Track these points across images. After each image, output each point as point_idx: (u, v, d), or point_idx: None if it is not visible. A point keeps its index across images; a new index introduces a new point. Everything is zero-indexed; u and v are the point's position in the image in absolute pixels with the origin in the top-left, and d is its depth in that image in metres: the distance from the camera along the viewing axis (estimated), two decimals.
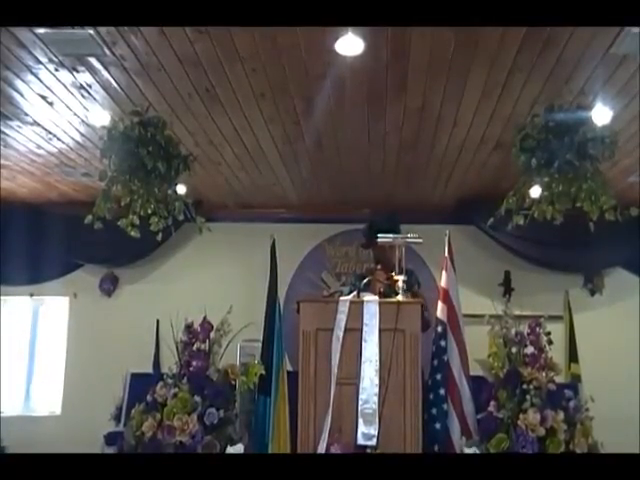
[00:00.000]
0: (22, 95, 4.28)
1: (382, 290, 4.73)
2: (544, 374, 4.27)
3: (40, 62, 3.84)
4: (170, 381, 4.34)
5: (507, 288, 6.60)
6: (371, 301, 4.16)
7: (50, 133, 4.93)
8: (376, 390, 3.97)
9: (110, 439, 5.11)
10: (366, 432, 3.91)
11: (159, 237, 4.10)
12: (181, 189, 4.24)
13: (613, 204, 3.69)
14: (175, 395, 4.20)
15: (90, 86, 4.15)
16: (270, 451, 4.75)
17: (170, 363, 4.54)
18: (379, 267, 5.09)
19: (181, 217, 4.10)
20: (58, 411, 6.72)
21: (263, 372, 4.71)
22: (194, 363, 4.35)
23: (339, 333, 4.07)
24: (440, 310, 5.08)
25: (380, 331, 4.06)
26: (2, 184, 6.10)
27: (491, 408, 4.22)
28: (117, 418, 5.69)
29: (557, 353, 4.67)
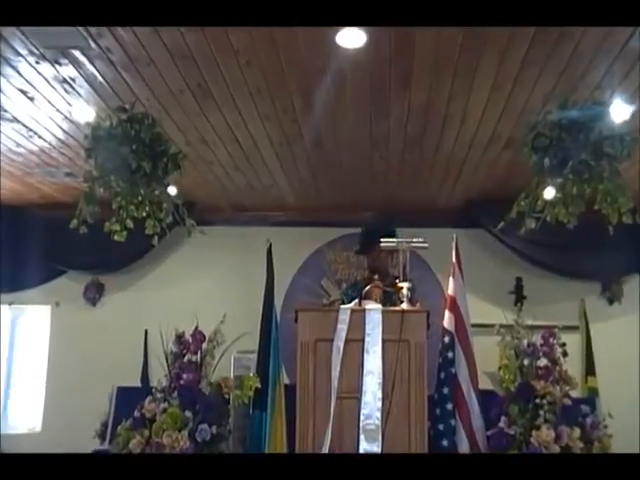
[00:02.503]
0: (0, 90, 4.28)
1: (378, 300, 4.72)
2: (558, 388, 4.29)
3: (20, 54, 3.84)
4: (159, 395, 4.36)
5: (519, 296, 6.60)
6: (374, 310, 4.17)
7: (31, 130, 4.94)
8: (379, 405, 3.98)
9: None
10: (368, 449, 3.92)
11: (155, 241, 4.11)
12: (172, 190, 4.25)
13: (631, 207, 3.70)
14: (164, 410, 4.22)
15: (74, 80, 4.16)
16: None
17: (159, 376, 4.55)
18: (376, 276, 5.10)
19: (169, 219, 4.12)
20: (38, 428, 6.70)
21: (258, 385, 4.72)
22: (185, 376, 4.37)
23: (339, 344, 4.08)
24: (447, 319, 5.10)
25: (383, 342, 4.08)
26: None
27: (502, 424, 4.24)
28: (102, 435, 5.68)
29: (572, 366, 4.69)
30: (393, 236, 4.87)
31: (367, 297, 4.58)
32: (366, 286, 4.77)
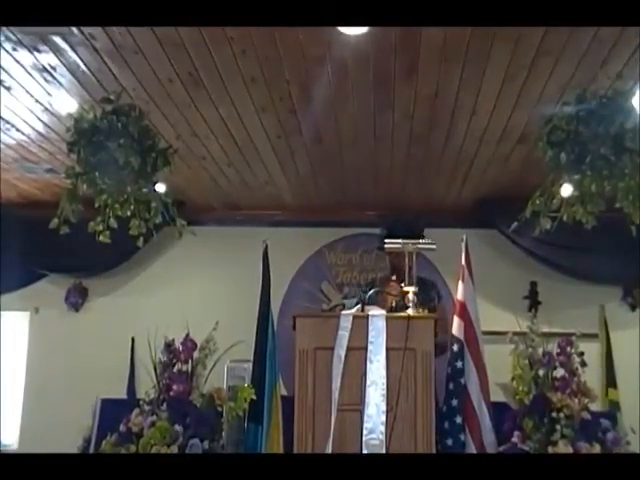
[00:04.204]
0: None
1: (394, 304, 4.73)
2: (577, 401, 4.30)
3: None
4: (147, 408, 4.37)
5: (533, 301, 6.61)
6: (377, 315, 4.18)
7: (8, 123, 4.94)
8: (383, 418, 3.98)
9: None
10: None
11: (140, 242, 4.12)
12: (161, 188, 4.26)
13: None
14: (153, 424, 4.22)
15: (54, 69, 4.17)
16: None
17: (147, 387, 4.56)
18: (394, 278, 5.10)
19: (158, 219, 4.12)
20: (15, 444, 6.70)
21: (254, 397, 4.73)
22: (175, 387, 4.38)
23: (341, 352, 4.09)
24: (456, 326, 5.11)
25: (388, 350, 4.08)
26: None
27: (515, 439, 4.25)
28: (85, 452, 5.70)
29: (592, 377, 4.69)
30: (420, 235, 4.87)
31: (375, 302, 4.57)
32: (383, 285, 4.77)
